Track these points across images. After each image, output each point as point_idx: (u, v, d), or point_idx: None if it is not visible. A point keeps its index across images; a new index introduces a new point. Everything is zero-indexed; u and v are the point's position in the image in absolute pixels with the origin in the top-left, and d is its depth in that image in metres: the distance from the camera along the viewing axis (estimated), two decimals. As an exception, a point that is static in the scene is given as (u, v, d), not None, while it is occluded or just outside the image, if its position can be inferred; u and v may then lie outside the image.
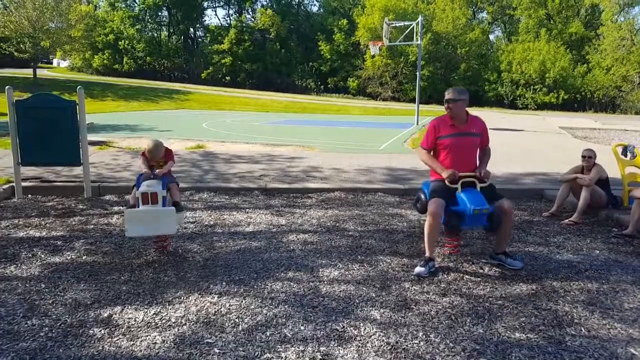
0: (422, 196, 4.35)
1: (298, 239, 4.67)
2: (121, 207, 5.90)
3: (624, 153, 6.09)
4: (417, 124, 17.54)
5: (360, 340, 2.80)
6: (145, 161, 4.34)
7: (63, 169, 7.47)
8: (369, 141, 12.82)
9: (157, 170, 4.09)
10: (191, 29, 59.15)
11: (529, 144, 13.39)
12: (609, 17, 42.89)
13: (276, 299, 3.31)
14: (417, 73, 18.17)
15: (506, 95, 44.48)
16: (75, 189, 6.59)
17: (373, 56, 46.78)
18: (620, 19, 43.33)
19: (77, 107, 6.24)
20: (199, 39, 60.02)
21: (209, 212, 5.65)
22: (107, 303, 3.26)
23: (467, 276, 3.83)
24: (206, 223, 5.20)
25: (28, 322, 2.99)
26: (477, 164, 4.17)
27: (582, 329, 3.01)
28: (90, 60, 53.45)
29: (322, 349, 2.70)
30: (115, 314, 3.10)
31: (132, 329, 2.90)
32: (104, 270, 3.84)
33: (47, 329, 2.91)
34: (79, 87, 6.40)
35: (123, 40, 52.67)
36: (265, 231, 4.94)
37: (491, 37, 55.12)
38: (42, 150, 6.20)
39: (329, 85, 52.52)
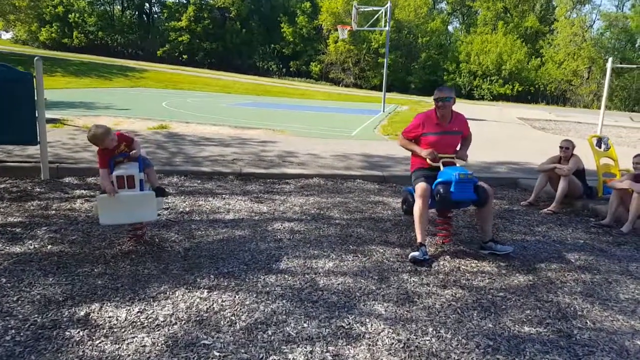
0: (410, 198, 4.32)
1: (284, 228, 4.43)
2: (83, 191, 5.44)
3: (598, 144, 6.21)
4: (384, 111, 17.50)
5: (370, 338, 2.62)
6: (105, 159, 3.60)
7: (15, 147, 6.83)
8: (340, 127, 12.62)
9: (133, 151, 3.70)
10: (146, 4, 56.50)
11: (494, 134, 13.64)
12: (563, 12, 44.52)
13: (272, 294, 3.08)
14: (385, 60, 18.10)
15: (464, 85, 45.49)
16: (30, 170, 6.02)
17: (336, 41, 46.54)
18: (573, 15, 45.07)
19: (35, 80, 5.66)
20: (155, 15, 57.49)
21: (183, 197, 5.30)
22: (82, 300, 2.91)
23: (463, 266, 3.74)
24: (181, 210, 4.85)
25: (-10, 322, 2.62)
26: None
27: (587, 321, 2.97)
28: (37, 33, 50.06)
29: (330, 348, 2.50)
30: (93, 312, 2.77)
31: (116, 330, 2.59)
32: (74, 262, 3.46)
33: (13, 331, 2.55)
34: (36, 58, 5.80)
35: (73, 13, 49.61)
36: (247, 219, 4.66)
37: (450, 27, 56.05)
38: (-7, 127, 5.60)
39: (291, 69, 51.80)
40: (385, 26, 18.21)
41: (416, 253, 3.69)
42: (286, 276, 3.36)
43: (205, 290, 3.08)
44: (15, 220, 4.32)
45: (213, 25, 51.33)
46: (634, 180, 4.90)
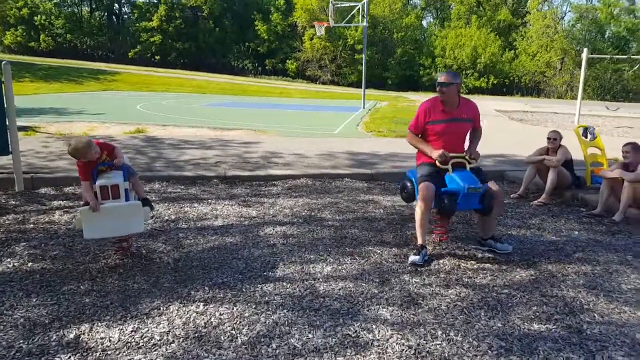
0: (408, 184, 4.16)
1: (276, 232, 4.29)
2: (61, 202, 5.19)
3: (584, 134, 6.24)
4: (364, 108, 17.45)
5: (379, 345, 2.51)
6: (87, 171, 3.38)
7: (-15, 158, 6.49)
8: (322, 125, 12.51)
9: (116, 160, 3.50)
10: (116, 5, 55.20)
11: (474, 126, 13.71)
12: (535, 5, 45.24)
13: (272, 304, 2.94)
14: (363, 56, 18.02)
15: (440, 79, 45.83)
16: (2, 181, 5.73)
17: (312, 38, 46.34)
18: (545, 7, 45.88)
19: (3, 85, 5.37)
20: (125, 16, 56.24)
21: (167, 204, 5.10)
22: (70, 321, 2.72)
23: (463, 264, 3.67)
24: (167, 218, 4.66)
25: (-30, 352, 2.41)
26: (467, 146, 4.03)
27: (595, 315, 2.92)
28: (1, 37, 48.40)
29: (339, 359, 2.38)
30: (84, 333, 2.59)
31: (110, 353, 2.41)
32: (58, 280, 3.25)
33: (-3, 360, 2.35)
34: (4, 62, 5.50)
35: (39, 15, 48.10)
36: (236, 224, 4.50)
37: (423, 22, 56.38)
38: (-41, 138, 5.29)
39: (266, 67, 51.33)
40: (362, 22, 18.15)
41: (417, 257, 3.58)
42: (284, 284, 3.23)
43: (201, 304, 2.92)
44: (-10, 236, 4.06)
45: (185, 24, 50.46)
46: (624, 168, 4.93)
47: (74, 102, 18.00)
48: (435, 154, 3.84)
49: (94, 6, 53.99)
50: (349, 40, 46.26)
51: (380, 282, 3.29)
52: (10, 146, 5.49)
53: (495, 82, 43.61)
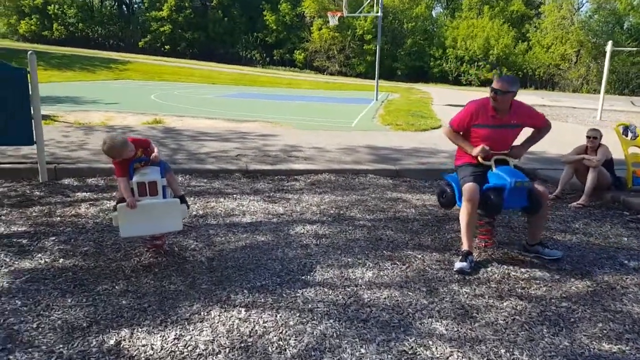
0: (448, 189, 3.98)
1: (307, 232, 4.16)
2: (85, 194, 5.09)
3: (625, 133, 6.03)
4: (377, 100, 17.22)
5: (438, 362, 2.38)
6: (124, 167, 3.27)
7: (7, 147, 6.40)
8: (337, 117, 12.33)
9: (153, 155, 3.37)
10: (126, -6, 54.99)
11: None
12: (550, -4, 44.48)
13: (316, 312, 2.82)
14: (377, 46, 17.77)
15: (451, 71, 45.35)
16: (26, 171, 5.65)
17: (320, 28, 45.93)
18: (560, -2, 45.08)
19: (29, 75, 5.26)
20: (135, 5, 56.03)
21: (192, 198, 4.98)
22: (108, 325, 2.61)
23: (512, 273, 3.50)
24: (195, 213, 4.55)
25: (10, 357, 2.31)
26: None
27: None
28: (16, 26, 48.44)
29: (397, 376, 2.26)
30: (124, 340, 2.48)
31: (154, 362, 2.31)
32: (91, 278, 3.15)
33: (38, 366, 2.25)
34: (30, 52, 5.38)
35: (52, 5, 48.05)
36: (265, 222, 4.38)
37: (433, 13, 55.59)
38: (-17, 127, 5.19)
39: (274, 58, 51.05)
40: (376, 11, 17.85)
41: (464, 264, 3.43)
42: (325, 289, 3.10)
43: (242, 309, 2.81)
44: (19, 229, 3.97)
45: (195, 14, 50.22)
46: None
47: (88, 90, 17.93)
48: (476, 150, 3.70)
49: (104, -5, 53.83)
50: (358, 30, 45.83)
51: (428, 292, 3.14)
52: (35, 136, 5.39)
53: (508, 74, 43.01)
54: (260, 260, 3.52)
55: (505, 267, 3.60)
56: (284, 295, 3.00)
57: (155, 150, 3.42)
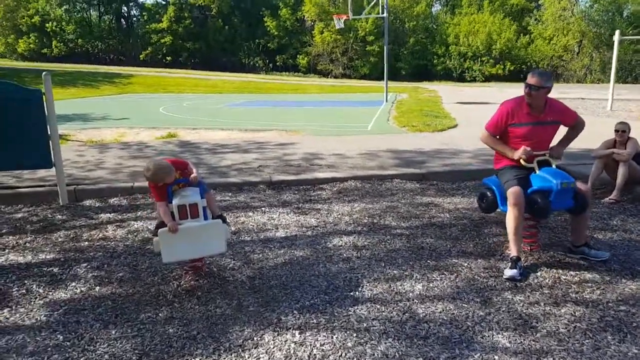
0: (488, 193, 3.85)
1: (345, 244, 4.03)
2: (109, 215, 4.98)
3: (652, 124, 5.85)
4: (387, 101, 17.09)
5: (512, 381, 2.24)
6: (163, 192, 3.16)
7: (23, 171, 6.32)
8: (351, 122, 12.21)
9: (192, 176, 3.26)
10: (124, 8, 55.27)
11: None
12: (550, -12, 44.24)
13: (373, 331, 2.68)
14: (385, 47, 17.63)
15: (454, 68, 45.14)
16: (45, 195, 5.56)
17: (322, 32, 45.94)
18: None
19: (44, 96, 5.17)
20: (134, 18, 56.32)
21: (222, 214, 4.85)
22: (159, 356, 2.49)
23: (562, 276, 3.36)
24: (225, 229, 4.42)
25: (62, 399, 2.19)
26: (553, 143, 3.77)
27: None
28: (15, 45, 48.79)
29: (474, 400, 2.12)
30: (179, 373, 2.35)
31: (216, 397, 2.17)
32: (132, 306, 3.03)
33: (92, 407, 2.13)
34: (44, 73, 5.29)
35: (50, 22, 48.39)
36: (300, 235, 4.25)
37: (433, 10, 55.40)
38: (1, 152, 5.10)
39: (277, 63, 51.10)
40: (381, 12, 17.75)
41: (514, 272, 3.29)
42: (377, 306, 2.96)
43: (296, 332, 2.67)
44: (48, 257, 3.86)
45: (194, 24, 50.40)
46: None
47: (94, 106, 17.93)
48: (518, 153, 3.58)
49: (102, 10, 54.10)
50: (360, 31, 45.76)
51: (482, 302, 3.00)
52: (53, 159, 5.30)
53: (511, 68, 42.81)
54: (303, 276, 3.39)
55: (554, 270, 3.46)
56: (336, 314, 2.86)
57: (194, 170, 3.30)
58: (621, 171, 5.24)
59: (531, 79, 3.53)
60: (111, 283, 3.37)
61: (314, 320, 2.79)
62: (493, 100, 19.03)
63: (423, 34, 47.73)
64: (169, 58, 50.13)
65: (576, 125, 3.80)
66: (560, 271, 3.45)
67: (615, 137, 5.44)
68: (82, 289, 3.28)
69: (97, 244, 4.15)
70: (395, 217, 4.75)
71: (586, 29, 41.15)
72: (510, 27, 43.60)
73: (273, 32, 49.99)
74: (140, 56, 50.08)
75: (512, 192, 3.44)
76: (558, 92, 25.07)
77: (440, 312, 2.88)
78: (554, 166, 3.60)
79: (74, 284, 3.36)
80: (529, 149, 3.55)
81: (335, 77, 46.67)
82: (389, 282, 3.28)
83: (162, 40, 49.59)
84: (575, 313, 2.85)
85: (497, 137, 3.78)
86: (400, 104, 17.13)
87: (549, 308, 2.93)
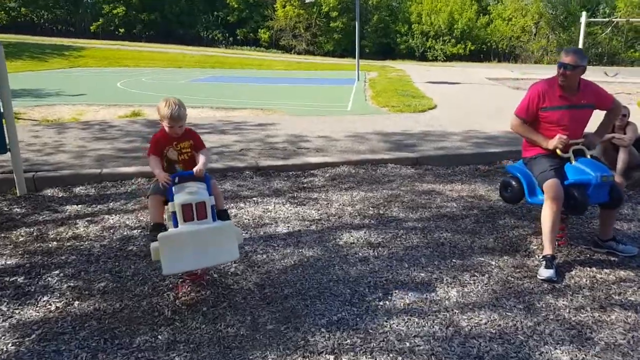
0: (513, 182, 3.54)
1: (357, 240, 3.63)
2: (77, 207, 4.36)
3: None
4: (359, 79, 16.64)
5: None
6: (158, 147, 2.82)
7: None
8: (328, 101, 11.72)
9: (196, 168, 2.74)
10: (72, -26, 51.43)
11: (484, 98, 13.19)
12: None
13: (419, 352, 2.31)
14: (357, 24, 17.07)
15: (417, 47, 45.10)
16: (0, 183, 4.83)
17: (284, 6, 44.62)
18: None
19: (-5, 72, 4.42)
20: (84, -14, 52.56)
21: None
22: (169, 396, 2.02)
23: (597, 275, 3.12)
24: (216, 224, 3.92)
25: None
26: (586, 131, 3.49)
27: None
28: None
29: None
30: (198, 419, 1.90)
31: None
32: (123, 327, 2.52)
33: None
34: (-6, 42, 4.51)
35: (-12, -13, 44.40)
36: (304, 231, 3.81)
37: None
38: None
39: (238, 37, 49.34)
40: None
41: (551, 272, 3.00)
42: (415, 318, 2.59)
43: (331, 357, 2.27)
44: (9, 262, 3.25)
45: (150, -6, 47.65)
46: None
47: (45, 81, 16.50)
48: (553, 142, 3.28)
49: (48, -25, 50.16)
50: (324, 7, 44.77)
51: (525, 309, 2.69)
52: (8, 143, 4.58)
53: (472, 48, 43.23)
54: (320, 282, 2.97)
55: (588, 268, 3.22)
56: (371, 331, 2.47)
57: (202, 159, 2.79)
58: (622, 157, 5.08)
59: (566, 58, 3.23)
60: (92, 296, 2.83)
61: (348, 341, 2.39)
62: (461, 80, 18.99)
63: (386, 11, 47.27)
64: (122, 30, 47.34)
65: (613, 109, 3.52)
66: (594, 269, 3.21)
67: (615, 122, 5.26)
68: (58, 304, 2.73)
69: (68, 244, 3.56)
70: (401, 207, 4.39)
71: (543, 11, 41.91)
72: (471, 7, 43.84)
73: (233, 5, 48.09)
74: (91, 28, 47.04)
75: (551, 185, 3.13)
76: (519, 72, 25.47)
77: (486, 324, 2.55)
78: (588, 156, 3.33)
79: (46, 298, 2.80)
80: (565, 137, 3.25)
81: (299, 53, 45.64)
82: (419, 288, 2.92)
83: (115, 11, 46.67)
84: (627, 320, 2.60)
85: (528, 123, 3.46)
86: (373, 82, 16.74)
87: (597, 314, 2.66)
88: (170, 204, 2.59)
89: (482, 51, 43.78)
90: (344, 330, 2.47)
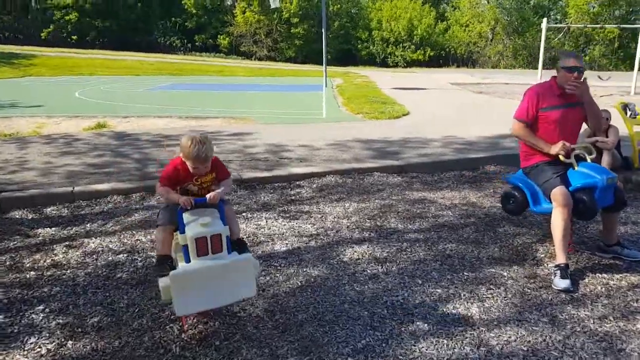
0: (516, 193, 3.51)
1: (361, 256, 3.48)
2: (50, 230, 4.01)
3: (624, 111, 5.91)
4: (326, 86, 16.55)
5: None
6: (171, 178, 2.58)
7: None
8: (300, 108, 11.55)
9: (211, 195, 2.49)
10: (19, -22, 49.05)
11: (453, 103, 13.37)
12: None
13: (457, 377, 2.18)
14: (323, 30, 17.04)
15: (377, 53, 45.66)
16: (-41, 207, 4.40)
17: (244, 11, 44.22)
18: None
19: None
20: (32, -9, 50.22)
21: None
22: None
23: (610, 282, 3.11)
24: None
25: None
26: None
27: None
28: None
29: None
30: None
31: None
32: (127, 369, 2.27)
33: None
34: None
35: None
36: (304, 248, 3.63)
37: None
38: None
39: (197, 43, 48.36)
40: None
41: (567, 282, 2.96)
42: (442, 340, 2.46)
43: (365, 391, 2.10)
44: (-15, 299, 2.90)
45: (104, 0, 46.06)
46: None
47: (-5, 91, 15.51)
48: (555, 148, 3.27)
49: (-8, -21, 47.66)
50: (284, 13, 44.63)
51: (551, 323, 2.63)
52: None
53: (431, 54, 44.14)
54: (334, 304, 2.81)
55: (599, 275, 3.22)
56: (401, 357, 2.33)
57: (221, 187, 2.57)
58: (606, 159, 5.17)
59: (573, 61, 3.23)
60: (87, 334, 2.55)
61: (378, 371, 2.24)
62: (426, 86, 19.29)
63: (347, 18, 47.66)
64: (74, 37, 45.46)
65: (596, 106, 3.45)
66: (605, 275, 3.20)
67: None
68: (49, 346, 2.43)
69: (48, 273, 3.24)
70: (398, 217, 4.28)
71: (499, 17, 43.42)
72: (430, 14, 44.84)
73: (191, 10, 47.19)
74: (42, 35, 44.92)
75: (559, 192, 3.10)
76: (479, 77, 26.18)
77: (515, 341, 2.46)
78: (589, 161, 3.34)
79: (33, 339, 2.50)
80: (568, 143, 3.26)
81: (260, 59, 45.24)
82: (438, 306, 2.80)
83: (67, 18, 44.81)
84: (653, 330, 2.57)
85: (529, 126, 3.43)
86: (341, 89, 16.71)
87: (622, 324, 2.63)
88: (180, 236, 2.32)
89: (441, 57, 44.80)
90: (372, 359, 2.31)
